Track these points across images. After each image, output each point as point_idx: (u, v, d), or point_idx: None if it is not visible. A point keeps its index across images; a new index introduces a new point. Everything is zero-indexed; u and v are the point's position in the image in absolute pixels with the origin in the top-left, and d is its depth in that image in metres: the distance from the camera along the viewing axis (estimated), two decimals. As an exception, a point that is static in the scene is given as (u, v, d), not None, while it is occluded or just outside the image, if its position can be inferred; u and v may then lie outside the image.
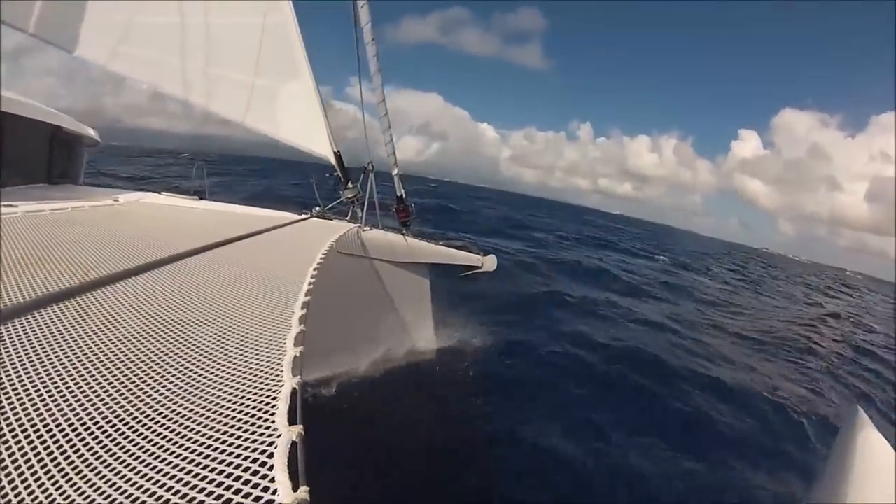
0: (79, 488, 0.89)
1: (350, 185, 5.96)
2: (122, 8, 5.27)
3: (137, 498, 0.88)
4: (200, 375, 1.38)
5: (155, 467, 0.97)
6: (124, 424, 1.11)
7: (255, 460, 0.98)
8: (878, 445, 1.73)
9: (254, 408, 1.21)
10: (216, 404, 1.23)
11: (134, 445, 1.04)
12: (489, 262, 7.19)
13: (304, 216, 5.82)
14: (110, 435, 1.06)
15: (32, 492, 0.88)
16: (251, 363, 1.48)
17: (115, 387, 1.25)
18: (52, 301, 1.63)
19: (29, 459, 0.95)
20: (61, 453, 0.98)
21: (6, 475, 0.91)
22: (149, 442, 1.05)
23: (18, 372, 1.23)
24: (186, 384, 1.32)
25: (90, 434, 1.05)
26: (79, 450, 1.00)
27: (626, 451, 5.69)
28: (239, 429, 1.11)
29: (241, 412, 1.19)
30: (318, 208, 6.05)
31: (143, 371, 1.35)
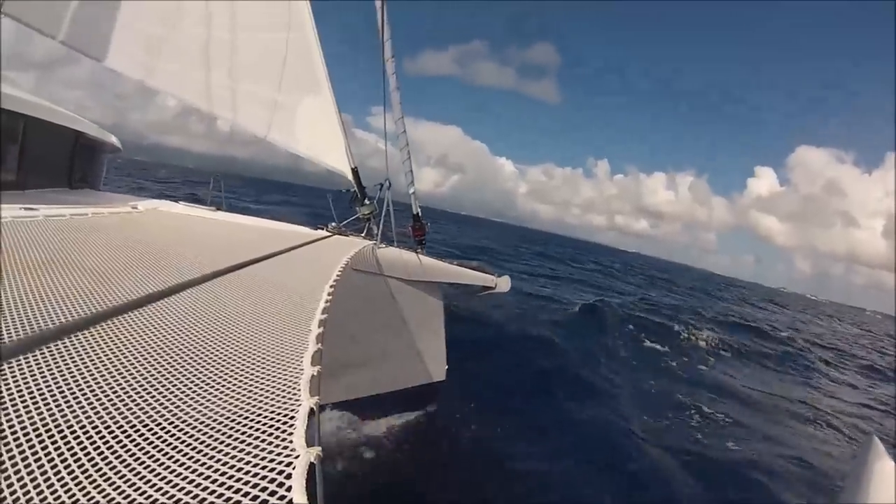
0: (93, 499, 0.88)
1: (366, 201, 5.99)
2: (152, 21, 5.39)
3: None
4: (219, 393, 1.36)
5: (171, 482, 0.95)
6: (143, 440, 1.09)
7: (272, 480, 0.95)
8: (892, 476, 1.68)
9: (272, 426, 1.18)
10: (235, 422, 1.21)
11: (152, 460, 1.01)
12: (503, 283, 7.15)
13: (320, 232, 5.84)
14: (129, 450, 1.04)
15: (69, 490, 0.88)
16: (269, 382, 1.46)
17: (135, 401, 1.24)
18: (83, 326, 1.64)
19: (49, 477, 0.94)
20: (80, 469, 0.96)
21: (44, 480, 0.90)
22: (166, 457, 1.03)
23: (54, 393, 1.23)
24: (205, 402, 1.30)
25: (110, 450, 1.03)
26: (97, 465, 0.98)
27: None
28: (257, 447, 1.09)
29: (259, 430, 1.17)
30: (333, 224, 6.07)
31: (164, 387, 1.34)
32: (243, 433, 1.16)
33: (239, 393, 1.38)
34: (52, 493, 0.88)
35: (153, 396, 1.29)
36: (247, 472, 0.99)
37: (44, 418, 1.09)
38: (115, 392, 1.27)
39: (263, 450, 1.08)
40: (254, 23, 5.60)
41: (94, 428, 1.09)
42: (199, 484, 0.95)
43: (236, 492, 0.92)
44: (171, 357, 1.56)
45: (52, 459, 0.97)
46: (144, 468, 0.99)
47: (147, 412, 1.20)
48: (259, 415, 1.25)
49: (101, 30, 5.24)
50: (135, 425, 1.14)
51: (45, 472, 0.93)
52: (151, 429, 1.14)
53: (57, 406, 1.15)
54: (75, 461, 0.97)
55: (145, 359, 1.50)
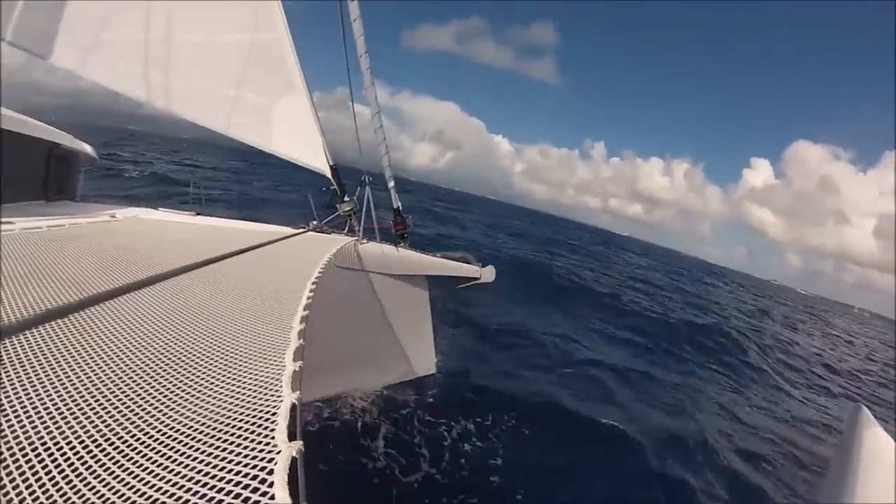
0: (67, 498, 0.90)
1: (347, 198, 5.96)
2: (100, 20, 5.34)
3: None
4: (200, 390, 1.37)
5: (150, 483, 0.97)
6: (122, 440, 1.10)
7: (254, 477, 0.98)
8: (883, 444, 1.70)
9: (253, 423, 1.20)
10: (216, 419, 1.23)
11: (131, 461, 1.03)
12: (488, 274, 7.19)
13: (301, 230, 5.80)
14: (107, 451, 1.06)
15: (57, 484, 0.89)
16: (250, 378, 1.47)
17: (112, 403, 1.24)
18: (51, 317, 1.60)
19: (26, 476, 0.95)
20: (58, 471, 0.98)
21: (13, 488, 0.91)
22: (146, 458, 1.05)
23: (16, 389, 1.22)
24: (185, 399, 1.31)
25: (87, 451, 1.05)
26: (74, 466, 0.99)
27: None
28: (238, 444, 1.11)
29: (240, 427, 1.19)
30: (314, 222, 6.02)
31: (143, 386, 1.35)
32: (225, 430, 1.18)
33: (220, 389, 1.40)
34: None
35: (126, 395, 1.29)
36: (229, 471, 1.01)
37: (10, 423, 1.09)
38: (80, 393, 1.26)
39: (246, 447, 1.10)
40: (221, 18, 5.53)
41: (51, 437, 1.08)
42: (178, 483, 0.97)
43: (219, 490, 0.95)
44: (145, 354, 1.55)
45: (33, 466, 0.98)
46: (121, 468, 1.00)
47: (122, 412, 1.21)
48: (241, 411, 1.27)
49: (46, 29, 5.22)
50: (111, 426, 1.14)
51: (36, 476, 0.95)
52: (127, 429, 1.14)
53: (13, 413, 1.14)
54: (45, 472, 0.98)
55: (118, 355, 1.49)
